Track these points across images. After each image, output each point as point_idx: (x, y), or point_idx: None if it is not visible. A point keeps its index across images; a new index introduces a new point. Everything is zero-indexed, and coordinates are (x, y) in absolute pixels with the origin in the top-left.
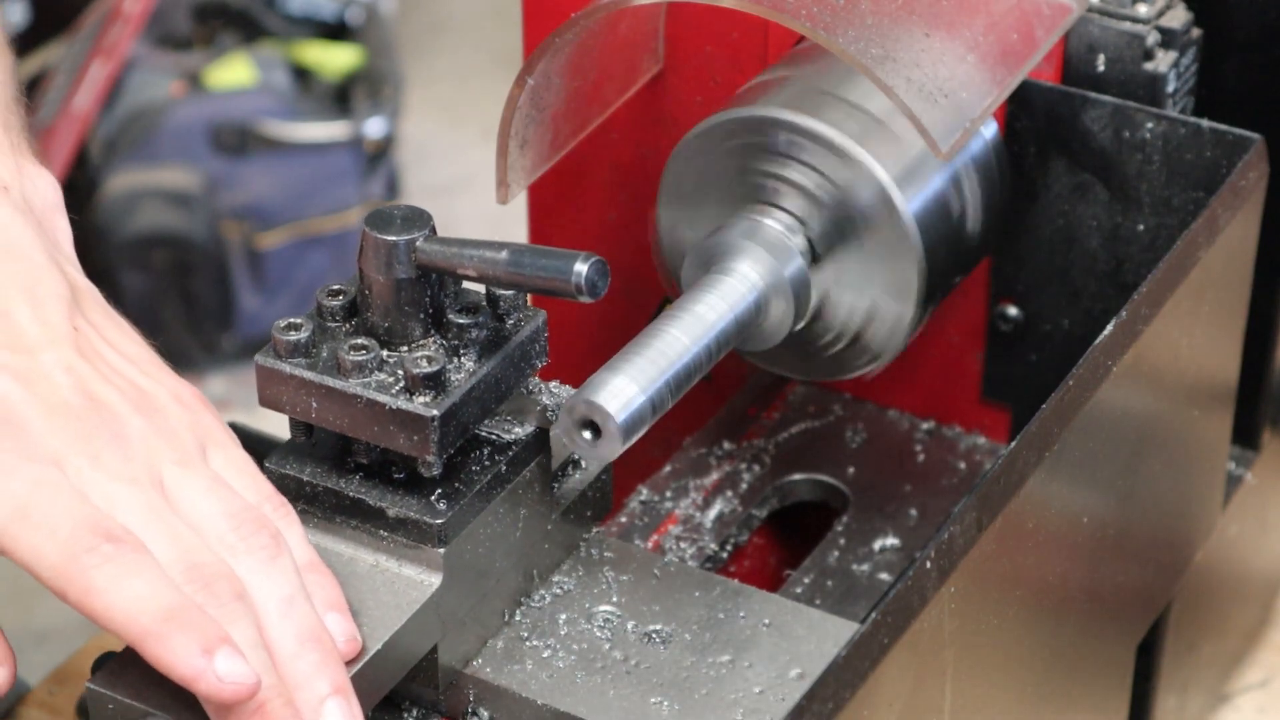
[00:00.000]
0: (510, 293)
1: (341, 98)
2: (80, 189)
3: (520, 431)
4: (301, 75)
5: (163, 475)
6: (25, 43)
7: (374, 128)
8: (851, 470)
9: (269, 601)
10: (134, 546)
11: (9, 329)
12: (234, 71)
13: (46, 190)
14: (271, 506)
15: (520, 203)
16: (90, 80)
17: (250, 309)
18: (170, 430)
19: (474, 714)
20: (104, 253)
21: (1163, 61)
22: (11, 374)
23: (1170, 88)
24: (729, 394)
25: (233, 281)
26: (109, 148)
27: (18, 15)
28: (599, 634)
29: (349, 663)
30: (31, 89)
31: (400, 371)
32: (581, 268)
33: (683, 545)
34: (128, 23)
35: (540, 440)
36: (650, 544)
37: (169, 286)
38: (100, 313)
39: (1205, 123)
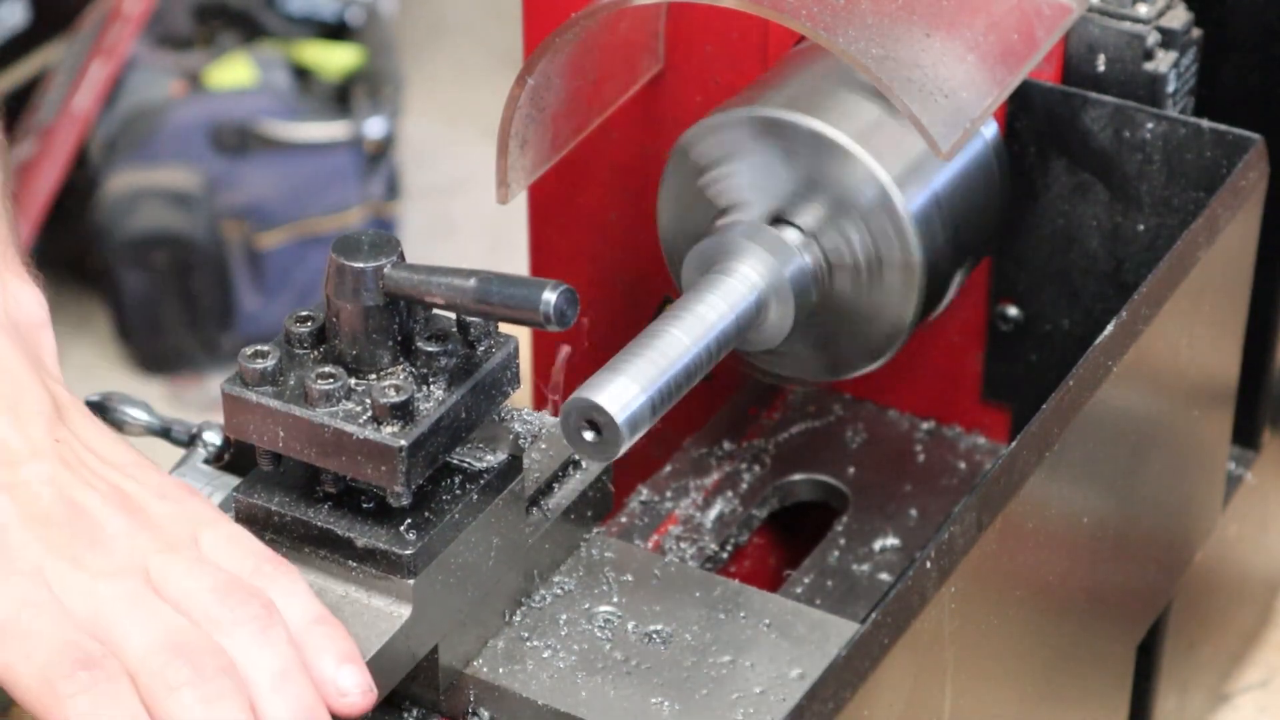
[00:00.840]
0: (480, 320)
1: (341, 98)
2: (80, 189)
3: (492, 459)
4: (301, 75)
5: (148, 565)
6: (25, 43)
7: (374, 128)
8: (852, 470)
9: (261, 676)
10: (110, 676)
11: None
12: (234, 71)
13: (31, 306)
14: (271, 566)
15: (520, 203)
16: (90, 80)
17: (250, 309)
18: (154, 525)
19: (474, 714)
20: (104, 253)
21: (1163, 62)
22: None
23: (1170, 88)
24: (729, 394)
25: (233, 281)
26: (109, 148)
27: (18, 15)
28: (599, 634)
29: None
30: (31, 89)
31: (368, 400)
32: (550, 296)
33: (683, 545)
34: (128, 23)
35: (513, 468)
36: (650, 544)
37: (169, 286)
38: (84, 422)
39: (1205, 123)
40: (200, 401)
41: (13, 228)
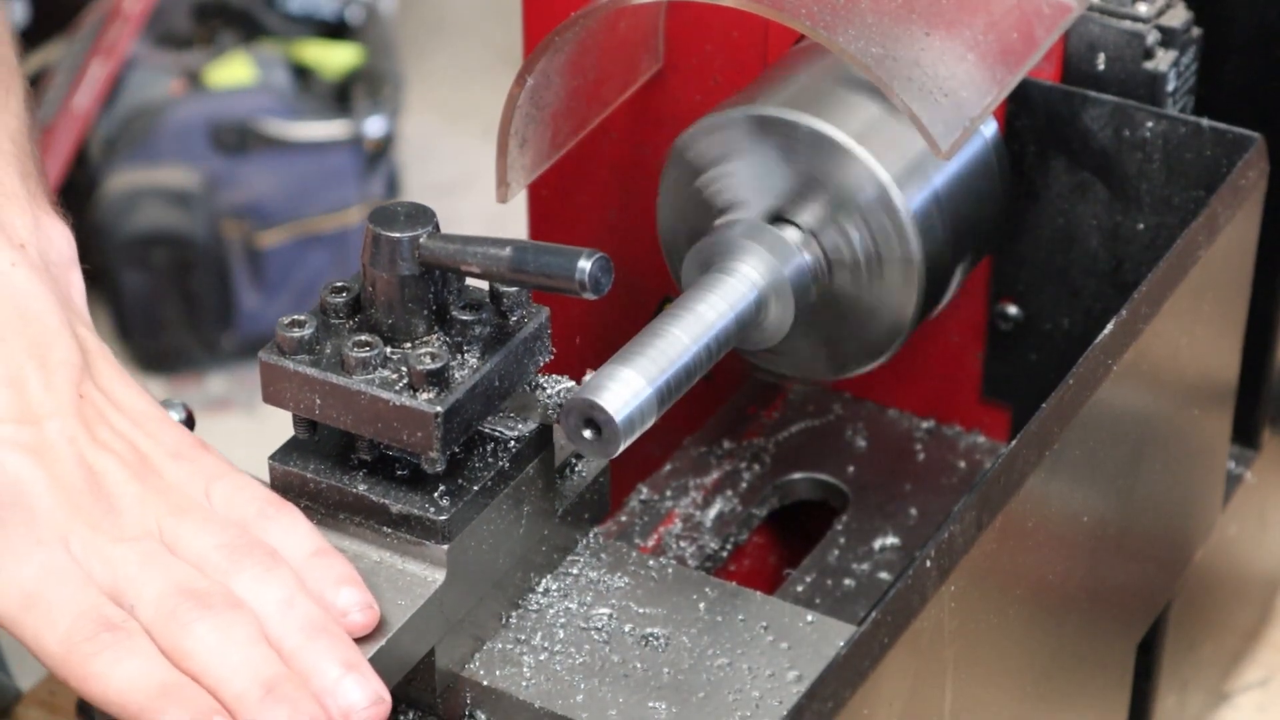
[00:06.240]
0: (514, 289)
1: (341, 97)
2: (80, 188)
3: (523, 428)
4: (301, 74)
5: (161, 527)
6: (25, 42)
7: (374, 127)
8: (851, 469)
9: (268, 606)
10: (130, 634)
11: (19, 399)
12: (234, 70)
13: (62, 245)
14: (274, 508)
15: (520, 202)
16: (90, 79)
17: (250, 308)
18: (166, 487)
19: (471, 717)
20: (104, 252)
21: (1163, 60)
22: (20, 449)
23: (1170, 87)
24: (729, 393)
25: (233, 280)
26: (109, 147)
27: (18, 14)
28: (597, 637)
29: (366, 639)
30: (31, 88)
31: (404, 368)
32: (585, 264)
33: (683, 544)
34: (128, 22)
35: (543, 437)
36: (650, 543)
37: (169, 285)
38: (109, 374)
39: (1205, 121)
40: (200, 400)
41: (41, 169)
